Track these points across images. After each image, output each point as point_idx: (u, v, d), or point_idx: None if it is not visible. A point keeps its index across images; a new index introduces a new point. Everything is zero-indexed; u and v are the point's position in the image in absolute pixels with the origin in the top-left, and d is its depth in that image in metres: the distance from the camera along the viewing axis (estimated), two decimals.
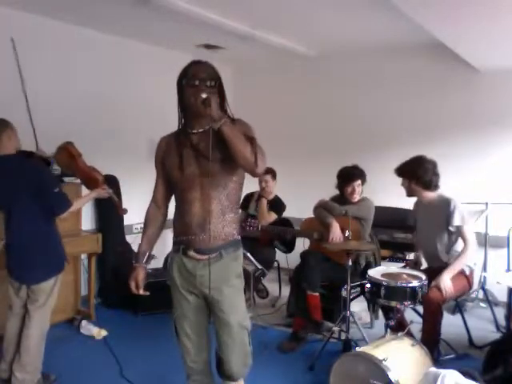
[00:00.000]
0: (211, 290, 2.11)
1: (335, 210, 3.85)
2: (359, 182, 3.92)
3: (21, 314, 3.00)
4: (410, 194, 3.56)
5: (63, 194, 2.96)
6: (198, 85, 2.00)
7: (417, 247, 3.88)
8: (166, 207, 2.30)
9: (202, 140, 2.07)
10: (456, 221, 3.32)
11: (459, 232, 3.35)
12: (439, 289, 3.20)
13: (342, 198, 3.99)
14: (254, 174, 2.02)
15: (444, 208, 3.38)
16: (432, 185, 3.44)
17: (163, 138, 2.24)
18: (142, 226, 2.31)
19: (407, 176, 3.47)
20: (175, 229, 2.20)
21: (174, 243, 2.21)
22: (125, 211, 3.63)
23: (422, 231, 3.62)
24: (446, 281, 3.22)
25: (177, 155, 2.10)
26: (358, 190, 3.92)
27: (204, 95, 1.94)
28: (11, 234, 2.90)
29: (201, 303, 2.22)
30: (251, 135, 2.03)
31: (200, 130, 2.10)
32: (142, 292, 2.22)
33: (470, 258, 3.39)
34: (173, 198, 2.27)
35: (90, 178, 3.37)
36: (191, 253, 2.12)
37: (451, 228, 3.36)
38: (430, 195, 3.48)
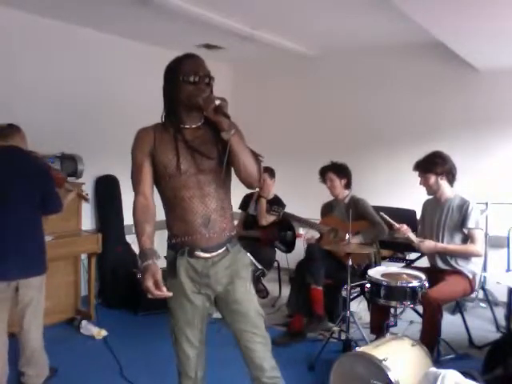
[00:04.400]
0: (226, 285, 2.06)
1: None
2: (331, 175, 4.00)
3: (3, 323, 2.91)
4: (433, 191, 3.48)
5: (59, 197, 3.01)
6: (197, 82, 1.97)
7: None
8: (153, 201, 2.10)
9: (197, 136, 2.04)
10: (470, 223, 3.33)
11: (470, 234, 3.36)
12: (420, 245, 3.38)
13: (334, 201, 4.09)
14: (250, 188, 2.08)
15: (461, 208, 3.37)
16: (454, 179, 3.45)
17: (145, 129, 2.09)
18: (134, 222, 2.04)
19: (436, 171, 3.39)
20: (173, 230, 2.06)
21: (174, 245, 2.05)
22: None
23: (431, 229, 3.54)
24: (429, 245, 3.35)
25: (172, 150, 2.00)
26: (334, 185, 4.00)
27: (217, 102, 1.90)
28: (8, 220, 2.81)
29: (206, 306, 2.11)
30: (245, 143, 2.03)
31: (193, 126, 2.05)
32: (165, 291, 1.93)
33: (470, 252, 3.40)
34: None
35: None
36: (198, 253, 2.02)
37: (464, 229, 3.36)
38: (449, 192, 3.46)
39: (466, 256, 3.41)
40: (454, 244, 3.41)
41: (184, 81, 1.97)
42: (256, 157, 2.00)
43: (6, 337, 2.90)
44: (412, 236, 3.49)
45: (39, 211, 2.93)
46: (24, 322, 2.89)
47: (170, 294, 1.95)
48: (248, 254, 3.08)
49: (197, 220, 1.99)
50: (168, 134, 2.04)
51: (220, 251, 2.05)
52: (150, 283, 1.90)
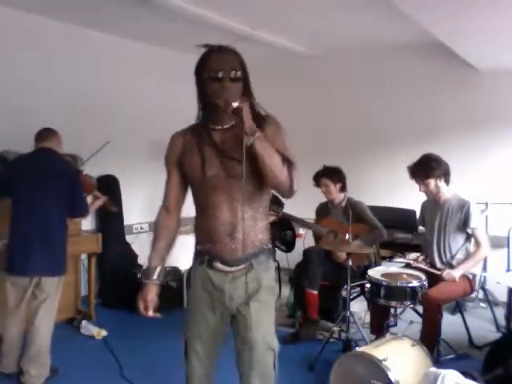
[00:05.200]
0: (239, 305, 1.89)
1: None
2: (325, 180, 3.92)
3: (22, 315, 3.01)
4: (435, 195, 3.46)
5: (86, 201, 3.16)
6: (221, 78, 1.79)
7: (424, 247, 3.84)
8: (179, 212, 2.01)
9: (227, 138, 1.85)
10: (473, 223, 3.33)
11: (474, 234, 3.36)
12: (443, 278, 3.28)
13: (330, 203, 4.05)
14: (283, 197, 1.87)
15: (461, 209, 3.37)
16: (450, 178, 3.44)
17: (177, 134, 1.95)
18: (153, 234, 2.02)
19: (435, 175, 3.36)
20: (198, 235, 1.94)
21: (197, 253, 1.95)
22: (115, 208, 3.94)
23: (432, 230, 3.53)
24: (455, 274, 3.27)
25: (198, 154, 1.85)
26: (329, 190, 3.93)
27: (235, 104, 1.71)
28: (35, 219, 2.91)
29: (220, 324, 1.97)
30: (283, 144, 1.84)
31: (225, 127, 1.87)
32: (151, 314, 1.93)
33: (482, 257, 3.44)
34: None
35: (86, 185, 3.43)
36: (218, 265, 1.87)
37: (468, 230, 3.36)
38: (447, 193, 3.46)
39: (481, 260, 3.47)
40: (458, 244, 3.42)
41: (209, 77, 1.81)
42: (288, 162, 1.78)
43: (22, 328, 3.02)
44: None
45: (66, 213, 3.02)
46: (36, 318, 2.96)
47: (158, 315, 1.97)
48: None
49: (221, 228, 1.83)
50: (196, 137, 1.90)
51: (242, 266, 1.87)
52: (140, 304, 1.99)
